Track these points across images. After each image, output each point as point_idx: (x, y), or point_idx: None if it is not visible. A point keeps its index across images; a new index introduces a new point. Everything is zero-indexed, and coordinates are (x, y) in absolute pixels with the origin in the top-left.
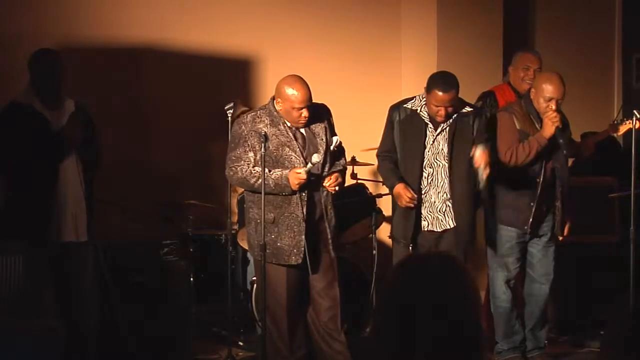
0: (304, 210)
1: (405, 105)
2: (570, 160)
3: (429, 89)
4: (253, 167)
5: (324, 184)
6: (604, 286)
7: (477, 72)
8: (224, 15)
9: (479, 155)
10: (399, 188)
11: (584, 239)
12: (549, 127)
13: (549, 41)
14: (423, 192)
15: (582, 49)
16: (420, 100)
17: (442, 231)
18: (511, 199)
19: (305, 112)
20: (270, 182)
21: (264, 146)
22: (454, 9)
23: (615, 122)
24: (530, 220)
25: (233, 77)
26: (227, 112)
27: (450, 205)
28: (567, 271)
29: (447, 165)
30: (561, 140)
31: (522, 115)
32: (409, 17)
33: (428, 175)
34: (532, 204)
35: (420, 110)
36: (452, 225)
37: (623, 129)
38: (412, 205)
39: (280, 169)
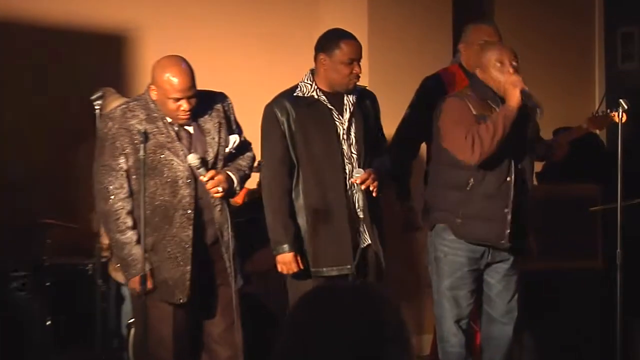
0: (191, 232)
1: (295, 94)
2: (540, 163)
3: (332, 45)
4: (125, 199)
5: (207, 188)
6: (585, 323)
7: (420, 51)
8: None
9: (361, 178)
10: (289, 258)
11: (559, 264)
12: (513, 93)
13: (510, 13)
14: (347, 191)
15: (552, 22)
16: (311, 85)
17: (366, 246)
18: (478, 206)
19: (184, 105)
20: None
21: (144, 147)
22: None
23: (596, 114)
24: (508, 231)
25: (102, 59)
26: (95, 104)
27: (365, 214)
28: (537, 305)
29: (361, 158)
30: (531, 104)
31: (476, 102)
32: None
33: (349, 176)
34: (506, 209)
35: (318, 96)
36: (371, 239)
37: (606, 123)
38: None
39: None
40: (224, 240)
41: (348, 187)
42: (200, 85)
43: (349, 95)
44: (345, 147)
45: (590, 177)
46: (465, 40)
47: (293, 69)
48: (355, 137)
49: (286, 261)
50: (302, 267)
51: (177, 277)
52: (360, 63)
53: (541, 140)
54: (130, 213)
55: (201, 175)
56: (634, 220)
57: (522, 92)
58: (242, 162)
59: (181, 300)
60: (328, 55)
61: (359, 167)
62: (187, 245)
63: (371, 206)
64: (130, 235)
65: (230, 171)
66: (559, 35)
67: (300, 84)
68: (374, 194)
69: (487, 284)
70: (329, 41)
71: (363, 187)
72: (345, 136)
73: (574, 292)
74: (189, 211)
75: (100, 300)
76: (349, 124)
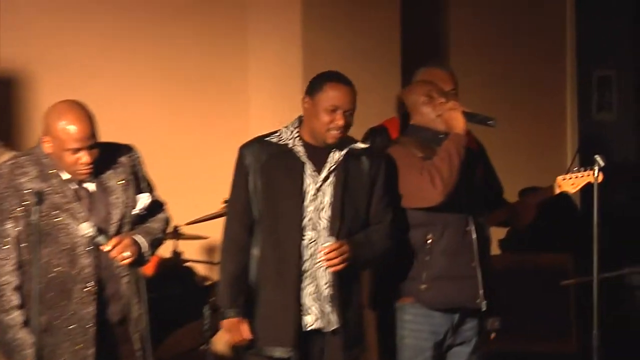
0: (93, 308)
1: (268, 139)
2: (503, 229)
3: (317, 87)
4: (12, 272)
5: (111, 256)
6: None
7: (364, 100)
8: None
9: (329, 249)
10: (232, 324)
11: (527, 346)
12: (455, 117)
13: (468, 54)
14: (304, 268)
15: (517, 67)
16: (292, 132)
17: (331, 331)
18: (442, 265)
19: (84, 157)
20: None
21: (37, 210)
22: (327, 11)
23: (568, 172)
24: (481, 289)
25: None
26: None
27: (335, 291)
28: None
29: (334, 227)
30: (479, 119)
31: (417, 147)
32: (260, 22)
33: (310, 243)
34: (473, 263)
35: (294, 145)
36: (340, 323)
37: (578, 183)
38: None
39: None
40: (133, 318)
41: (305, 257)
42: (105, 138)
43: (336, 151)
44: (311, 209)
45: (562, 245)
46: None
47: (218, 117)
48: (330, 201)
49: (230, 328)
50: (250, 336)
51: None
52: (350, 114)
53: (504, 202)
54: (18, 289)
55: (101, 244)
56: (613, 296)
57: (464, 113)
58: (154, 224)
59: None
60: (312, 98)
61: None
62: (88, 325)
63: (346, 283)
64: (16, 315)
65: (139, 234)
66: (525, 81)
67: (282, 128)
68: (329, 269)
69: None
70: (316, 82)
71: (323, 258)
72: (313, 197)
73: None
74: (90, 284)
75: None
76: (322, 184)
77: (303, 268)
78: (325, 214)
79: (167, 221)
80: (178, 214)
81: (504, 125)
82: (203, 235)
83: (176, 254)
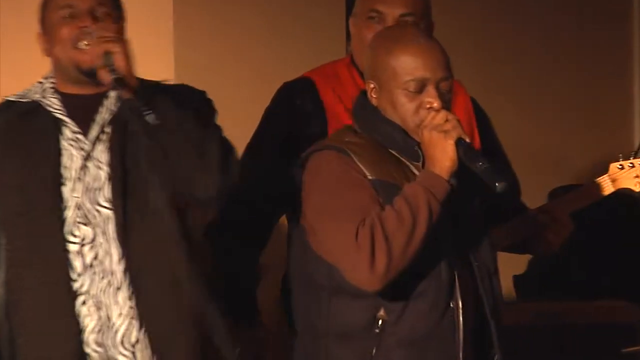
0: None
1: (9, 98)
2: (519, 259)
3: None
4: None
5: None
6: None
7: (287, 38)
8: None
9: None
10: None
11: None
12: (442, 148)
13: None
14: (79, 289)
15: (560, 15)
16: (43, 83)
17: None
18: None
19: None
20: None
21: None
22: None
23: (631, 159)
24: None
25: None
26: None
27: (138, 324)
28: None
29: (118, 215)
30: (480, 169)
31: (371, 154)
32: None
33: (84, 247)
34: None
35: (44, 97)
36: None
37: None
38: None
39: None
40: None
41: (79, 270)
42: None
43: (111, 95)
44: (78, 192)
45: (625, 286)
46: (355, 14)
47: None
48: (104, 176)
49: None
50: None
51: None
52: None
53: (521, 208)
54: None
55: None
56: None
57: (460, 143)
58: None
59: None
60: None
61: (115, 231)
62: None
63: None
64: None
65: None
66: (572, 35)
67: (36, 83)
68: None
69: None
70: None
71: None
72: (81, 172)
73: None
74: None
75: None
76: (93, 148)
77: (77, 289)
78: (103, 195)
79: None
80: None
81: (527, 83)
82: None
83: None
